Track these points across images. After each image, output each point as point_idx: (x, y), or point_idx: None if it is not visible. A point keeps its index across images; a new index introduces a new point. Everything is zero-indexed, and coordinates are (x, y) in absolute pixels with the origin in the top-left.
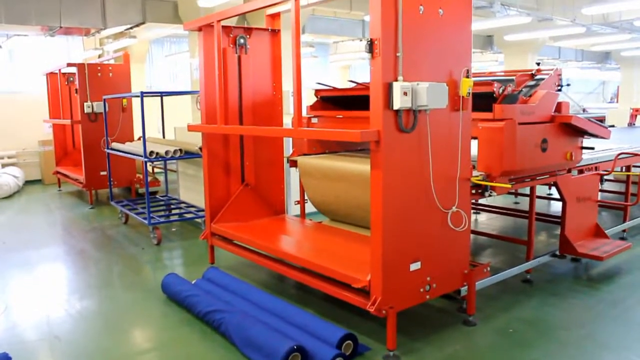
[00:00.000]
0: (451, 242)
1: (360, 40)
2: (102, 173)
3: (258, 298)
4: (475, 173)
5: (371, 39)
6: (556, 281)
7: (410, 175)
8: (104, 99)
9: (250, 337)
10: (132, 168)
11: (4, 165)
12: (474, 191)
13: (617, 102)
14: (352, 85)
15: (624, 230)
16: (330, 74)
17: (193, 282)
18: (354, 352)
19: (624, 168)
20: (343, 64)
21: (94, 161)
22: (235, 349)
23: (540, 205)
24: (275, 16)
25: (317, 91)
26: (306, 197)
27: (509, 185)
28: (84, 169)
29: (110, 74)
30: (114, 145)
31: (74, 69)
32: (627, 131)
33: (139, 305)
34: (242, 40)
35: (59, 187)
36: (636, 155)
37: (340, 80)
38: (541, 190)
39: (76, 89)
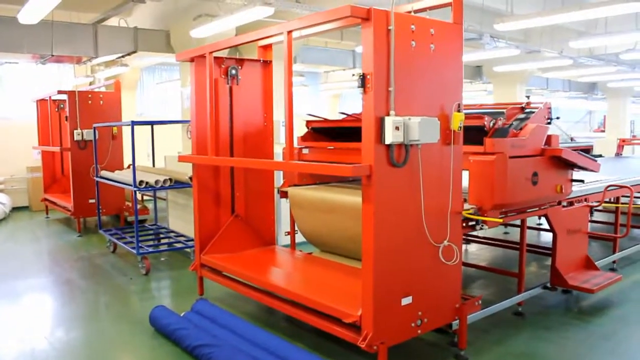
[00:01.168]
0: (442, 276)
1: (352, 74)
2: (90, 201)
3: (248, 332)
4: (466, 206)
5: (363, 74)
6: (548, 314)
7: (402, 209)
8: (94, 127)
9: None
10: (121, 196)
11: None
12: (465, 224)
13: (604, 131)
14: (343, 116)
15: (614, 262)
16: (320, 103)
17: (182, 314)
18: None
19: (613, 199)
20: (333, 92)
21: (83, 189)
22: None
23: (530, 236)
24: (267, 47)
25: (308, 122)
26: (296, 228)
27: (500, 220)
28: (72, 197)
29: (101, 102)
30: (104, 173)
31: (64, 96)
32: (614, 161)
33: (126, 338)
34: (233, 71)
35: (47, 214)
36: (624, 187)
37: (331, 109)
38: (531, 220)
39: (66, 116)
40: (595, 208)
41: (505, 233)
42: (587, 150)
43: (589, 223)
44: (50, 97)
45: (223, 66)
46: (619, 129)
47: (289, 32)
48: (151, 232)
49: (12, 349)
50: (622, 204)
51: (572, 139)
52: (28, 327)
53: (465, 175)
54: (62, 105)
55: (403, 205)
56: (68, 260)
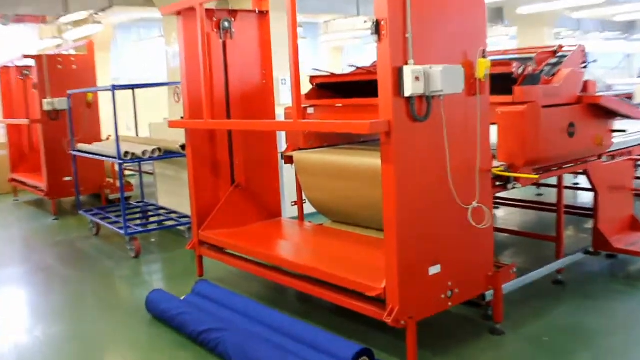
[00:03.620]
0: (473, 242)
1: (365, 21)
2: (66, 179)
3: (258, 313)
4: (495, 164)
5: (377, 20)
6: (591, 281)
7: (426, 168)
8: (69, 95)
9: (253, 359)
10: (101, 172)
11: None
12: (495, 184)
13: None
14: (352, 69)
15: None
16: (320, 57)
17: (182, 298)
18: None
19: None
20: (335, 45)
21: (57, 165)
22: None
23: (566, 197)
24: None
25: (312, 78)
26: (304, 197)
27: (536, 176)
28: (45, 175)
29: (73, 66)
30: (80, 146)
31: (31, 62)
32: None
33: (121, 328)
34: (226, 24)
35: (15, 196)
36: None
37: (332, 64)
38: (567, 180)
39: (34, 84)
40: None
41: (539, 195)
42: (627, 98)
43: (635, 180)
44: (13, 63)
45: (214, 19)
46: None
47: None
48: (138, 210)
49: None
50: None
51: (608, 87)
52: (7, 320)
53: (493, 130)
54: (27, 72)
55: (427, 164)
56: (45, 246)
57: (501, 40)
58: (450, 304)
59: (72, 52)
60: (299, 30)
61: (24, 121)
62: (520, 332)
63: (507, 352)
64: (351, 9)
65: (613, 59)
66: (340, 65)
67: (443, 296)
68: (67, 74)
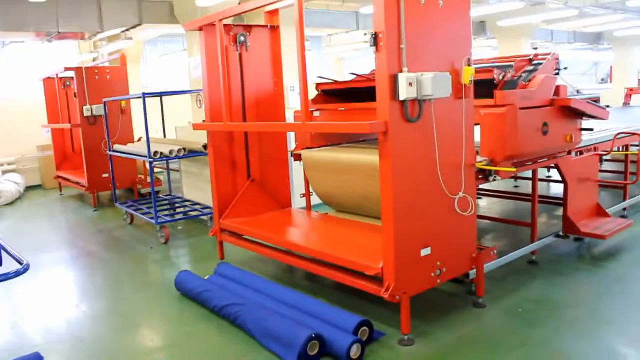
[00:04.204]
0: (459, 227)
1: (365, 34)
2: (104, 175)
3: (272, 290)
4: (479, 159)
5: (375, 33)
6: (561, 261)
7: (418, 163)
8: (105, 102)
9: (268, 329)
10: (134, 169)
11: (4, 172)
12: (479, 176)
13: (611, 82)
14: (352, 77)
15: (624, 209)
16: (324, 67)
17: (206, 278)
18: (370, 338)
19: (622, 148)
20: (337, 56)
21: (96, 164)
22: (253, 341)
23: (539, 188)
24: (274, 13)
25: (318, 85)
26: (311, 190)
27: (514, 169)
28: (86, 172)
29: (108, 77)
30: (116, 147)
31: (71, 73)
32: (623, 111)
33: (154, 303)
34: (242, 38)
35: (61, 191)
36: (634, 134)
37: (335, 73)
38: (540, 173)
39: (75, 93)
40: (604, 157)
41: (516, 187)
42: (594, 101)
43: (599, 172)
44: (57, 75)
45: (232, 34)
46: (626, 79)
47: None
48: (166, 202)
49: (46, 319)
50: (632, 152)
51: (578, 92)
52: (58, 298)
53: (477, 129)
54: (68, 83)
55: (419, 159)
56: (88, 234)
57: (484, 50)
58: (439, 281)
59: (107, 64)
60: (306, 43)
61: (66, 126)
62: (499, 305)
63: (488, 322)
64: (352, 24)
65: (582, 67)
66: (343, 73)
67: (433, 275)
68: (103, 84)
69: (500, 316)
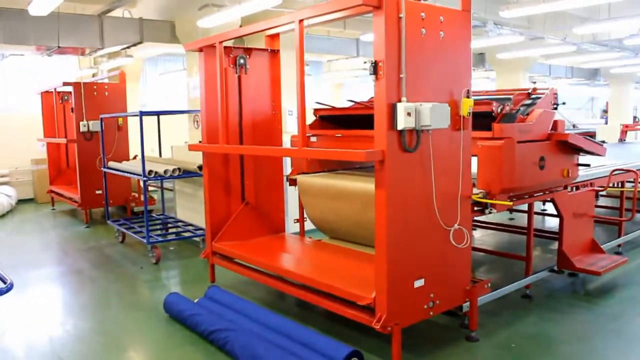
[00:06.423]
0: (453, 259)
1: (364, 61)
2: (97, 192)
3: (262, 316)
4: (475, 191)
5: (375, 61)
6: (555, 296)
7: (414, 193)
8: (101, 118)
9: (256, 356)
10: (128, 187)
11: None
12: (474, 208)
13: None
14: (350, 104)
15: (619, 245)
16: (322, 92)
17: (195, 300)
18: None
19: (618, 184)
20: (335, 82)
21: (90, 180)
22: None
23: (535, 221)
24: (274, 37)
25: (316, 110)
26: (305, 215)
27: (510, 203)
28: (79, 188)
29: (106, 93)
30: (111, 164)
31: (69, 88)
32: (618, 147)
33: (141, 325)
34: (242, 61)
35: (53, 206)
36: (630, 171)
37: (333, 98)
38: (536, 206)
39: (72, 108)
40: (600, 193)
41: (511, 219)
42: (590, 136)
43: (595, 207)
44: (55, 89)
45: (231, 56)
46: (621, 115)
47: (300, 20)
48: (159, 222)
49: (29, 337)
50: (627, 189)
51: (574, 126)
52: (43, 315)
53: (473, 161)
54: (66, 97)
55: (415, 190)
56: (77, 251)
57: (482, 82)
58: (431, 313)
59: (106, 80)
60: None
61: (62, 140)
62: (492, 339)
63: (480, 357)
64: (352, 51)
65: (579, 101)
66: (340, 99)
67: (425, 306)
68: (100, 100)
69: (493, 351)
